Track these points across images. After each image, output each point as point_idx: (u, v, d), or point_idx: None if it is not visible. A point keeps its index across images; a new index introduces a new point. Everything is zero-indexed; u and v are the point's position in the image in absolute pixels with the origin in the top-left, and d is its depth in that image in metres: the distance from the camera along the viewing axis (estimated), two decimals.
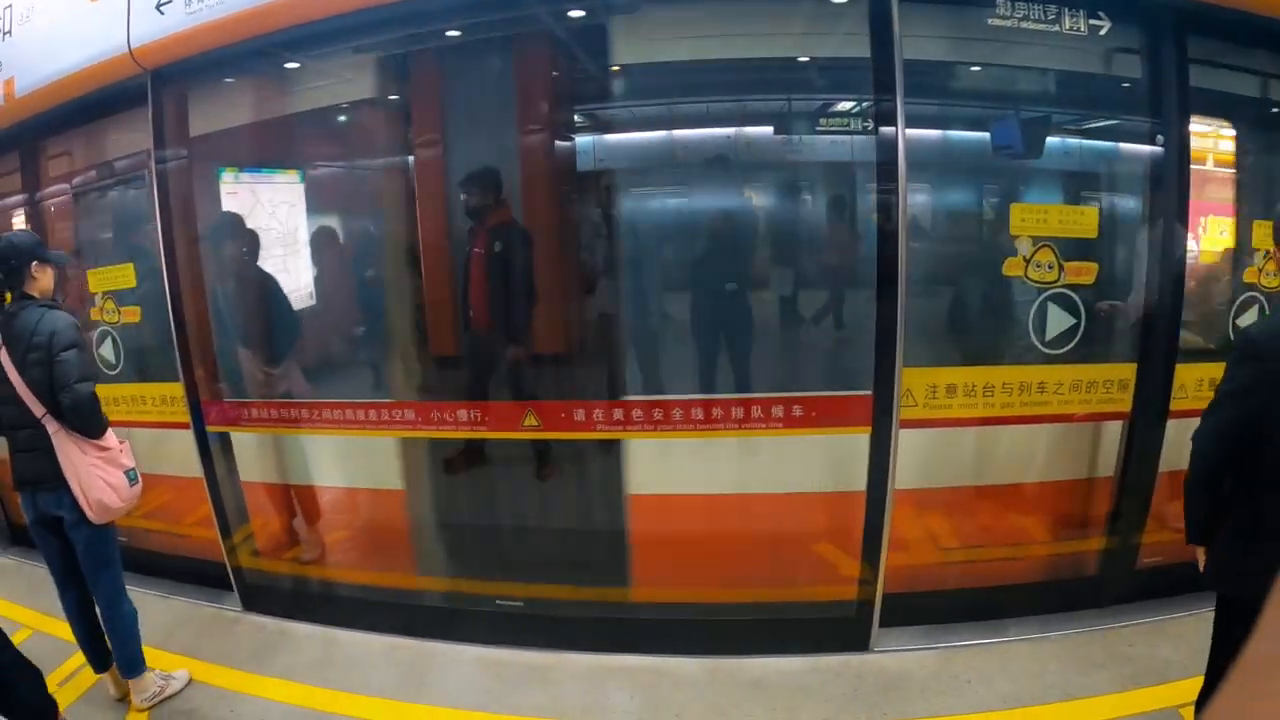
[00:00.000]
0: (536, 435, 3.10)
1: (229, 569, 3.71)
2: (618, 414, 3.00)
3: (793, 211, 3.34)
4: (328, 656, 3.39)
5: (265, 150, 3.73)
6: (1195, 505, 2.09)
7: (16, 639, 3.87)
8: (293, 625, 3.61)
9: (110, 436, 2.94)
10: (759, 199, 3.36)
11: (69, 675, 3.45)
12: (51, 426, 2.81)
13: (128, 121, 3.74)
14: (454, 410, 3.15)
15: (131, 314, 3.79)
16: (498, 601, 3.33)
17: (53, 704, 2.90)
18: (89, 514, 2.87)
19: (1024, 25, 3.06)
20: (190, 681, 3.30)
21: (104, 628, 3.10)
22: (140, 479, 3.02)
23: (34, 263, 2.86)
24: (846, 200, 3.26)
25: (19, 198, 4.49)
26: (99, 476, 2.88)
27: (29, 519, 2.97)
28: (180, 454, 3.73)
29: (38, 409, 2.80)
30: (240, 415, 3.61)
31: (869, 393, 2.95)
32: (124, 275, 3.74)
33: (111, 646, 3.13)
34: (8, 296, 2.88)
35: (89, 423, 2.83)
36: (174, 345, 3.50)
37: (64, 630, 3.82)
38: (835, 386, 3.03)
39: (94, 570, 3.02)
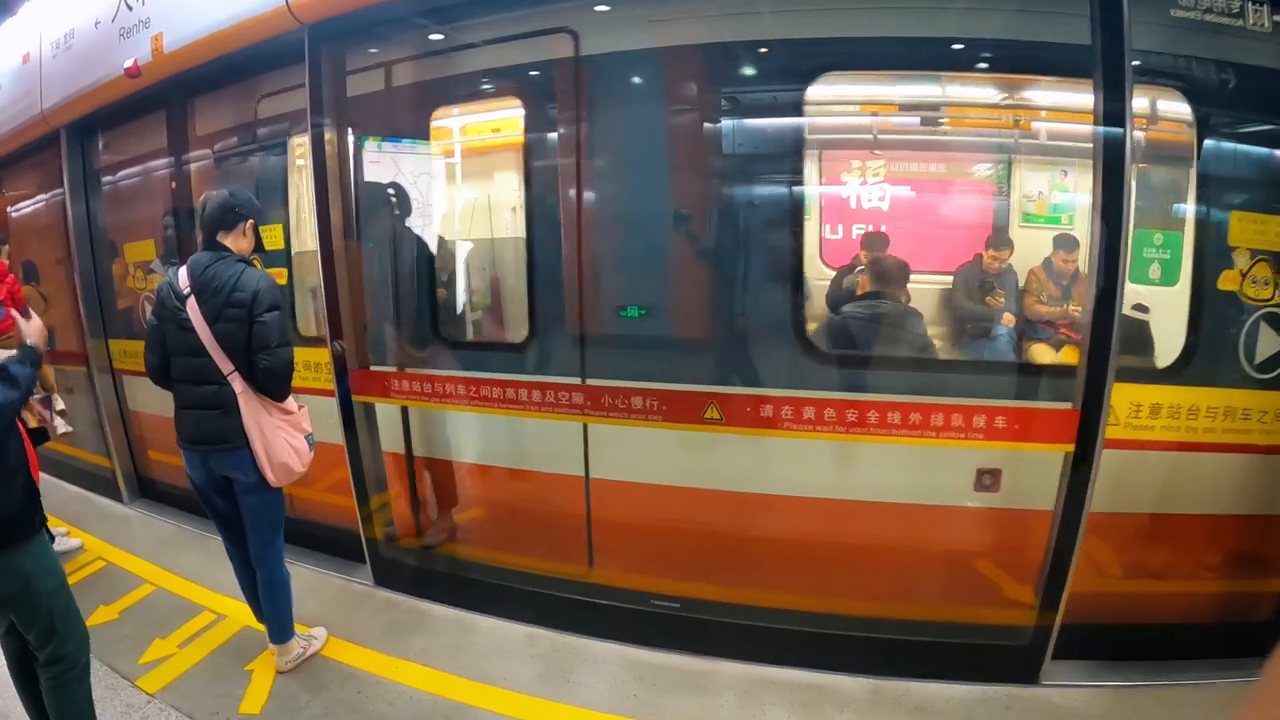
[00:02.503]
0: (717, 430, 2.93)
1: (363, 540, 3.62)
2: (808, 412, 2.81)
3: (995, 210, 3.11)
4: (464, 642, 3.29)
5: (426, 115, 3.61)
6: None
7: (137, 595, 3.89)
8: (426, 605, 3.51)
9: (291, 401, 2.90)
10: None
11: (190, 637, 3.42)
12: (238, 386, 2.75)
13: (282, 79, 3.67)
14: (627, 396, 3.00)
15: (278, 276, 3.72)
16: (653, 601, 3.18)
17: None
18: (270, 477, 2.83)
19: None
20: (328, 639, 3.28)
21: (260, 592, 3.06)
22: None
23: (250, 222, 2.84)
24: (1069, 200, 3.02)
25: (164, 160, 4.47)
26: (284, 439, 2.84)
27: (195, 479, 2.92)
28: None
29: (225, 365, 2.74)
30: (385, 386, 3.51)
31: (1074, 407, 2.71)
32: (271, 236, 3.67)
33: (265, 612, 3.09)
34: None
35: (280, 386, 2.79)
36: (322, 311, 3.42)
37: (185, 589, 3.82)
38: (1037, 398, 2.80)
39: (261, 535, 2.99)
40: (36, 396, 4.07)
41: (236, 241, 2.83)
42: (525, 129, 3.40)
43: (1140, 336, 3.41)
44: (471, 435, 3.50)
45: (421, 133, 3.76)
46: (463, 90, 3.63)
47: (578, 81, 3.12)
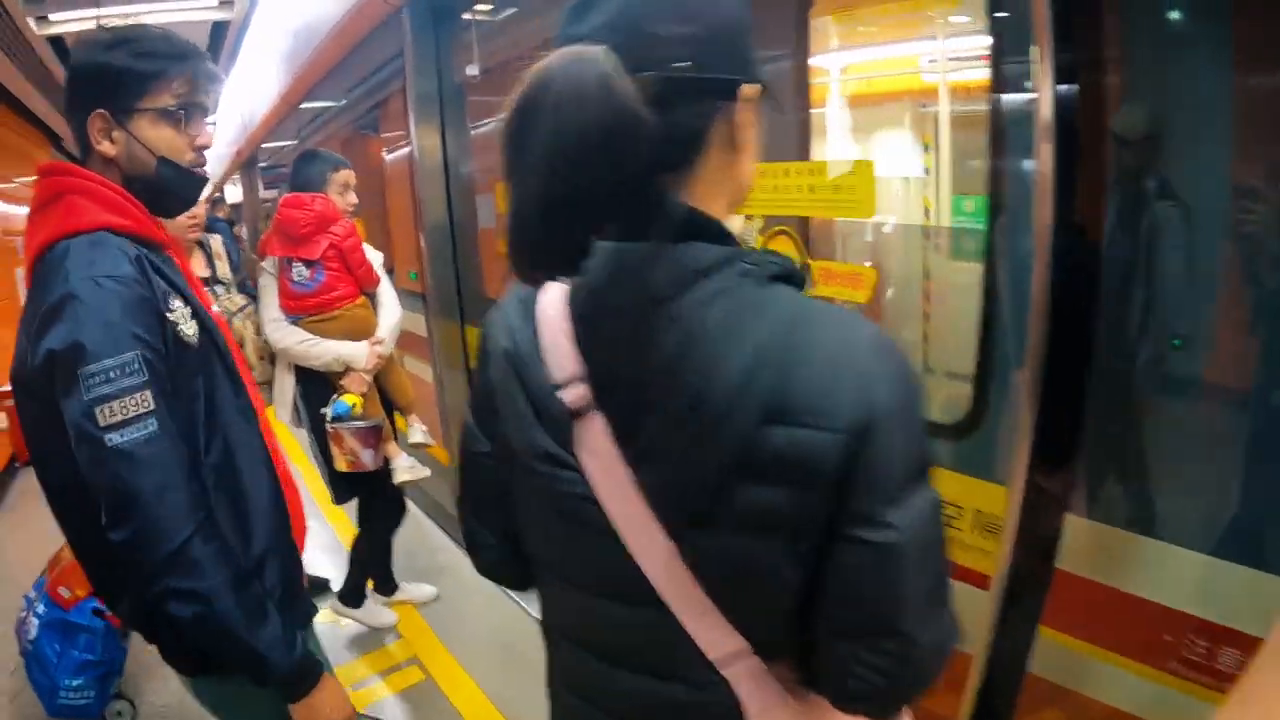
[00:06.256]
0: None
1: None
2: None
3: None
4: None
5: None
6: None
7: None
8: None
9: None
10: None
11: None
12: (748, 692, 0.68)
13: None
14: None
15: (864, 283, 1.74)
16: None
17: None
18: None
19: None
20: None
21: None
22: None
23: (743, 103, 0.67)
24: None
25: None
26: None
27: None
28: None
29: (719, 640, 0.67)
30: None
31: None
32: (849, 199, 1.70)
33: None
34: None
35: (902, 696, 0.70)
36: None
37: None
38: None
39: None
40: (361, 425, 2.54)
41: (717, 186, 0.67)
42: None
43: None
44: None
45: None
46: None
47: None
